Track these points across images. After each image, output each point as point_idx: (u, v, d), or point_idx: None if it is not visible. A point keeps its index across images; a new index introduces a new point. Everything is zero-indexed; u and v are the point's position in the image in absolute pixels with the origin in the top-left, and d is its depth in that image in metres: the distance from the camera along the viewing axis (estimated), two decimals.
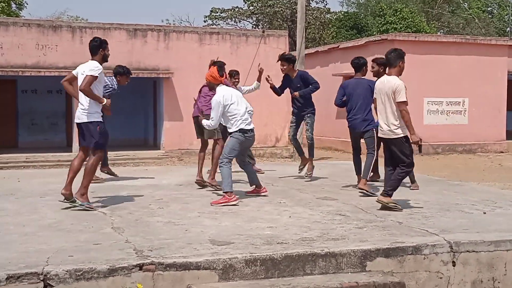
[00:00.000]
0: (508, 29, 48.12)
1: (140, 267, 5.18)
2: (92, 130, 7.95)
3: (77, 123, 8.10)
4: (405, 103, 7.81)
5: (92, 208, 7.80)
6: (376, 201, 8.05)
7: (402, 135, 7.89)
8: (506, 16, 49.07)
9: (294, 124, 10.95)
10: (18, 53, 18.86)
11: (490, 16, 52.07)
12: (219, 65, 8.85)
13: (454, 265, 6.04)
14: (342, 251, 5.73)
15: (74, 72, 8.21)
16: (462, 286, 6.08)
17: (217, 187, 9.30)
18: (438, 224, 6.94)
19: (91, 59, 8.09)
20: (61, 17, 47.03)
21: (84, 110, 7.95)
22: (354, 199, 8.74)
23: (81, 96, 7.96)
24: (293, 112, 11.01)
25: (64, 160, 18.19)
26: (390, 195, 7.99)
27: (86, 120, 7.94)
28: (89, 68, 7.93)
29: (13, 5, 37.73)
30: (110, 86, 10.15)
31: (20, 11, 39.50)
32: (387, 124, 7.95)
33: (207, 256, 5.43)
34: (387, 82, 8.02)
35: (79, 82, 7.97)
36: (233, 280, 5.37)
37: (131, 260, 5.26)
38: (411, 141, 7.94)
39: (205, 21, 43.34)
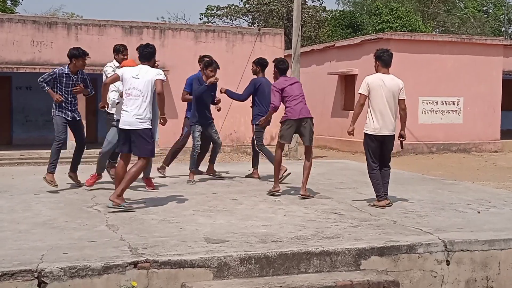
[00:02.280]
0: (503, 28, 48.25)
1: (135, 264, 5.18)
2: (149, 137, 7.75)
3: (130, 130, 7.68)
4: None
5: (131, 207, 7.61)
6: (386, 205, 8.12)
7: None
8: (501, 16, 49.17)
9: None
10: (13, 50, 18.80)
11: (485, 15, 52.18)
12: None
13: (448, 264, 6.06)
14: (337, 249, 5.73)
15: (119, 72, 7.93)
16: (456, 285, 6.10)
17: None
18: (433, 223, 6.96)
19: (144, 64, 7.93)
20: (56, 14, 46.94)
21: (140, 116, 7.65)
22: (348, 198, 8.75)
23: (133, 100, 7.65)
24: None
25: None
26: None
27: (142, 127, 7.66)
28: (155, 73, 7.76)
29: (8, 2, 37.61)
30: (52, 70, 9.18)
31: (15, 8, 39.40)
32: (393, 119, 8.15)
33: (201, 254, 5.43)
34: (391, 80, 8.15)
35: (131, 84, 7.71)
36: (227, 278, 5.38)
37: (125, 258, 5.25)
38: (403, 136, 8.38)
39: (200, 19, 43.36)
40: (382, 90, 8.05)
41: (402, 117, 8.28)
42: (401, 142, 8.44)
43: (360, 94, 8.19)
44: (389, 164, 8.35)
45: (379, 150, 8.21)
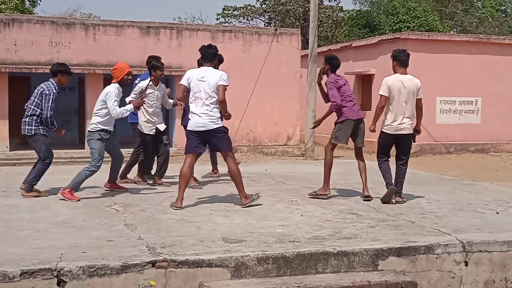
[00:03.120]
0: None
1: (153, 264, 5.20)
2: (225, 133, 8.02)
3: (198, 131, 7.86)
4: None
5: (258, 196, 8.09)
6: (395, 202, 8.31)
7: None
8: None
9: None
10: (32, 50, 18.95)
11: (503, 15, 51.74)
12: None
13: (466, 265, 6.02)
14: (354, 250, 5.72)
15: (185, 78, 7.92)
16: (475, 286, 6.06)
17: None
18: (451, 224, 6.92)
19: (207, 65, 7.99)
20: (74, 15, 47.23)
21: (211, 116, 7.80)
22: (358, 200, 8.72)
23: (201, 102, 7.78)
24: None
25: (76, 157, 18.29)
26: None
27: (217, 126, 7.86)
28: (219, 77, 7.80)
29: (27, 2, 37.90)
30: (48, 92, 8.61)
31: (34, 8, 39.68)
32: (410, 119, 8.34)
33: (219, 254, 5.44)
34: (409, 80, 8.34)
35: (198, 87, 7.80)
36: (245, 278, 5.38)
37: (143, 257, 5.28)
38: (419, 131, 8.59)
39: (217, 19, 43.41)
40: (401, 91, 8.24)
41: (418, 115, 8.50)
42: (414, 136, 8.57)
43: (381, 95, 8.33)
44: (407, 162, 8.50)
45: (391, 147, 8.50)
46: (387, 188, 8.33)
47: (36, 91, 8.76)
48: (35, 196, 8.55)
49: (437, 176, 12.17)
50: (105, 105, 8.51)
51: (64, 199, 8.22)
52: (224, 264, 5.36)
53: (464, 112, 21.92)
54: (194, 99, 7.85)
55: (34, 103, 8.66)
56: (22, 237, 6.08)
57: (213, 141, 7.99)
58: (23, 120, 8.77)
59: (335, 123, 8.69)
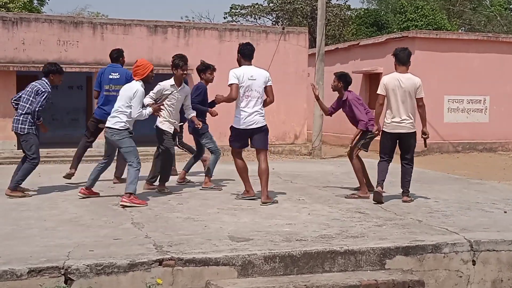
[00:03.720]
0: None
1: (160, 262, 5.21)
2: (268, 132, 8.28)
3: (253, 128, 8.14)
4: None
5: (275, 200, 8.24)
6: (402, 201, 8.29)
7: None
8: None
9: None
10: (40, 49, 19.02)
11: None
12: None
13: (474, 264, 6.01)
14: (361, 248, 5.72)
15: (235, 77, 8.04)
16: (482, 285, 6.04)
17: None
18: (458, 223, 6.91)
19: (247, 63, 8.24)
20: (81, 14, 47.34)
21: (262, 114, 8.18)
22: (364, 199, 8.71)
23: (253, 101, 8.08)
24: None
25: (84, 156, 18.29)
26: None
27: (265, 123, 8.22)
28: (267, 78, 8.25)
29: (35, 1, 38.00)
30: (43, 90, 8.56)
31: (42, 7, 39.79)
32: (409, 118, 8.23)
33: (226, 252, 5.45)
34: (407, 80, 8.25)
35: (249, 86, 8.06)
36: (252, 277, 5.39)
37: (151, 256, 5.29)
38: (426, 133, 8.40)
39: (224, 18, 43.40)
40: (398, 90, 8.21)
41: (420, 115, 8.38)
42: (425, 140, 8.48)
43: (378, 94, 8.39)
44: (412, 161, 8.44)
45: (393, 147, 8.42)
46: (376, 187, 8.29)
47: (28, 89, 8.67)
48: (20, 196, 8.42)
49: (444, 175, 12.13)
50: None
51: (131, 206, 7.72)
52: (231, 262, 5.36)
53: (472, 111, 21.83)
54: (246, 98, 8.06)
55: (29, 101, 8.56)
56: (29, 235, 6.10)
57: (256, 137, 8.21)
58: (16, 118, 8.64)
59: (363, 131, 8.78)
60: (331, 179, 10.73)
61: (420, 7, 40.21)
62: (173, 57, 9.21)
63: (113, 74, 9.65)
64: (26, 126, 8.55)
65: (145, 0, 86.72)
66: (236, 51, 8.38)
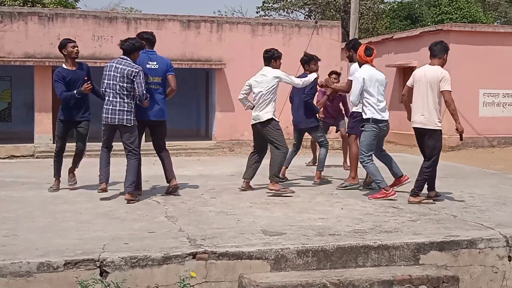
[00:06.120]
0: None
1: (194, 255, 5.25)
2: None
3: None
4: (450, 92, 7.76)
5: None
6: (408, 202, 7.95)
7: (441, 129, 7.88)
8: None
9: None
10: None
11: None
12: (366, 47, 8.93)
13: (510, 260, 5.94)
14: (395, 243, 5.69)
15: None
16: None
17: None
18: (494, 218, 6.82)
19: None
20: (115, 9, 47.73)
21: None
22: (407, 192, 8.63)
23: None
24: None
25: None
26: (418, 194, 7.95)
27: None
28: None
29: None
30: (137, 70, 7.96)
31: (76, 3, 40.20)
32: (426, 113, 7.83)
33: (259, 246, 5.46)
34: (431, 72, 7.89)
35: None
36: (285, 271, 5.40)
37: (184, 249, 5.33)
38: (458, 129, 7.83)
39: (257, 12, 43.39)
40: (421, 82, 7.90)
41: (448, 110, 7.80)
42: (460, 135, 8.04)
43: (406, 85, 8.27)
44: (429, 160, 7.87)
45: (420, 142, 8.05)
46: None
47: (114, 73, 7.97)
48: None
49: (480, 169, 11.99)
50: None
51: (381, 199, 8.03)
52: (264, 256, 5.38)
53: (508, 105, 21.48)
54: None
55: (124, 88, 7.90)
56: (66, 228, 6.20)
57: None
58: (118, 108, 8.12)
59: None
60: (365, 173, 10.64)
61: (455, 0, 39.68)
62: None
63: (151, 63, 8.41)
64: (132, 118, 7.98)
65: None
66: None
